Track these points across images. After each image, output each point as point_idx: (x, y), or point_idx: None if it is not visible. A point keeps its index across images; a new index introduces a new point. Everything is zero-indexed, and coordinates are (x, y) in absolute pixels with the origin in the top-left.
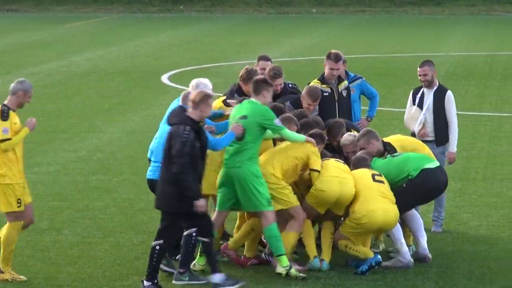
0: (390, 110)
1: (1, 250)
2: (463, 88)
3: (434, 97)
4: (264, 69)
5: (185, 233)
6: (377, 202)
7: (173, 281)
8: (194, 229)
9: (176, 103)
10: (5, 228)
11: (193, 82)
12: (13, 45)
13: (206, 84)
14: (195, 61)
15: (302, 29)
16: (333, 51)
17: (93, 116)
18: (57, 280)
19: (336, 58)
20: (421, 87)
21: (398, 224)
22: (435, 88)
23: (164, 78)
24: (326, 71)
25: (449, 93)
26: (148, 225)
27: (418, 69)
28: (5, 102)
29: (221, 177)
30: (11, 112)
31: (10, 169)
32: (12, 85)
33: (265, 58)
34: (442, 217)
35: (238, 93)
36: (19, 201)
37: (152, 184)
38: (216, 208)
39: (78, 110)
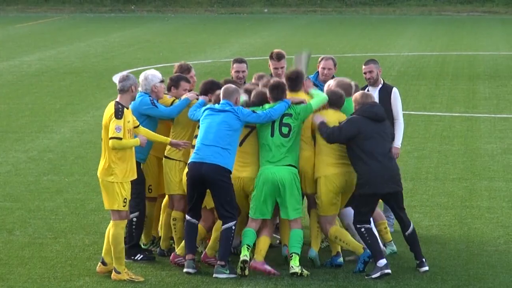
0: None
1: (112, 250)
2: (415, 88)
3: (379, 95)
4: (239, 71)
5: (224, 227)
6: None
7: (214, 275)
8: (233, 222)
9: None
10: (110, 227)
11: (141, 76)
12: None
13: (154, 74)
14: (146, 61)
15: (253, 29)
16: (275, 50)
17: (44, 116)
18: (8, 281)
19: (278, 57)
20: (366, 86)
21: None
22: (380, 86)
23: (115, 78)
24: (272, 71)
25: (395, 89)
26: (99, 226)
27: (363, 66)
28: (118, 100)
29: (267, 180)
30: (125, 110)
31: (118, 167)
32: (119, 83)
33: (240, 61)
34: (392, 216)
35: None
36: (125, 200)
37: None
38: (254, 215)
39: (29, 110)
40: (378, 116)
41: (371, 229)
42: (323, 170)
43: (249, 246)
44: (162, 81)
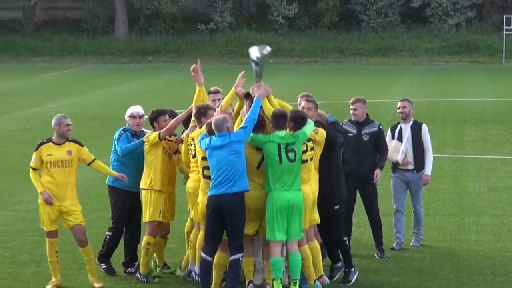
0: None
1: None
2: None
3: (411, 130)
4: (214, 100)
5: (234, 258)
6: None
7: None
8: (241, 254)
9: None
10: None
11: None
12: None
13: (129, 109)
14: (161, 107)
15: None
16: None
17: None
18: None
19: (215, 91)
20: (398, 123)
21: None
22: (411, 122)
23: None
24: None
25: (424, 126)
26: (119, 258)
27: (399, 103)
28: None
29: (280, 202)
30: (49, 144)
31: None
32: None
33: (214, 91)
34: (421, 233)
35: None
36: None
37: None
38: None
39: None
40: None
41: None
42: None
43: (281, 280)
44: (132, 116)
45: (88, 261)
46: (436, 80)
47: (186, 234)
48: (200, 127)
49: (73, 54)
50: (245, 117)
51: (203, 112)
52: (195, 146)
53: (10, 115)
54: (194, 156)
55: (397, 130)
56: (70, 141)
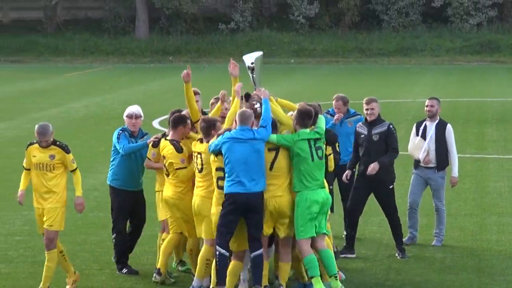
0: None
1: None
2: None
3: (436, 129)
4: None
5: (256, 254)
6: None
7: None
8: (262, 249)
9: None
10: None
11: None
12: (16, 93)
13: (127, 109)
14: (183, 106)
15: (280, 78)
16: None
17: (90, 158)
18: None
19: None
20: (424, 120)
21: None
22: (436, 121)
23: (155, 123)
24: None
25: (449, 126)
26: (140, 258)
27: (427, 101)
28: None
29: (313, 200)
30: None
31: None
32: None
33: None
34: (442, 233)
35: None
36: None
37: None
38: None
39: (77, 152)
40: None
41: None
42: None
43: (320, 277)
44: (128, 116)
45: (46, 267)
46: (458, 79)
47: (189, 254)
48: (208, 141)
49: (94, 54)
50: (261, 118)
51: (213, 125)
52: (202, 160)
53: (32, 115)
54: (201, 170)
55: (422, 127)
56: (57, 145)
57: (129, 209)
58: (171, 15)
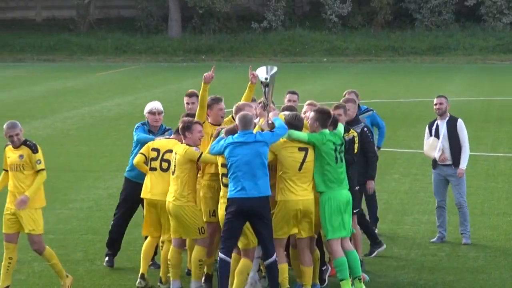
0: (395, 150)
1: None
2: None
3: (447, 126)
4: (188, 103)
5: (272, 260)
6: None
7: None
8: (274, 256)
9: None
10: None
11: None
12: (49, 91)
13: (148, 105)
14: None
15: (313, 76)
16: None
17: (122, 157)
18: None
19: (189, 94)
20: (435, 120)
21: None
22: (447, 118)
23: None
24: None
25: (460, 121)
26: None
27: (435, 99)
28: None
29: (339, 200)
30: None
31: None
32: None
33: (189, 94)
34: (468, 229)
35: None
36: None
37: None
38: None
39: (109, 151)
40: None
41: None
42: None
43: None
44: (151, 112)
45: (53, 265)
46: (491, 78)
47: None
48: (188, 144)
49: (127, 52)
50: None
51: (188, 127)
52: (176, 161)
53: (64, 114)
54: (173, 172)
55: (434, 127)
56: (26, 145)
57: (134, 202)
58: (203, 14)
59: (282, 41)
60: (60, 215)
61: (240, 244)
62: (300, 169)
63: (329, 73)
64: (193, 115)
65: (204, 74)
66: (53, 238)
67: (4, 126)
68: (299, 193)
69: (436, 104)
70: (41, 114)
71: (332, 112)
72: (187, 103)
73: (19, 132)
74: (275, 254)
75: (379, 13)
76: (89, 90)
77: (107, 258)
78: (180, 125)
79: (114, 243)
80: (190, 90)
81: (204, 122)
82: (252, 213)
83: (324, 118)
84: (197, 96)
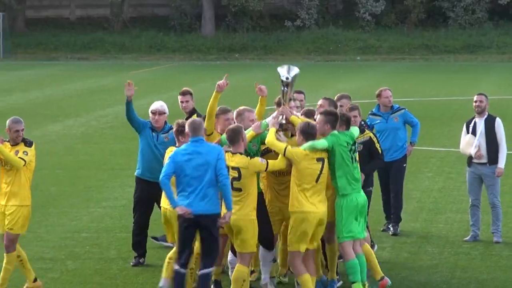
0: (429, 149)
1: None
2: None
3: (485, 124)
4: (182, 102)
5: (203, 272)
6: None
7: None
8: (212, 268)
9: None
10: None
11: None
12: (83, 90)
13: (153, 104)
14: (247, 104)
15: (346, 75)
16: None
17: None
18: None
19: (183, 92)
20: (473, 118)
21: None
22: (485, 116)
23: None
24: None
25: (498, 119)
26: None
27: (475, 97)
28: None
29: (355, 202)
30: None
31: None
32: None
33: (183, 93)
34: (500, 229)
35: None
36: None
37: None
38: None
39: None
40: None
41: None
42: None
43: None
44: (152, 112)
45: (5, 269)
46: None
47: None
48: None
49: (160, 51)
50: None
51: (181, 131)
52: None
53: (99, 112)
54: None
55: (472, 125)
56: (23, 141)
57: (149, 201)
58: (237, 12)
59: (315, 39)
60: (94, 214)
61: (236, 247)
62: (317, 180)
63: (362, 72)
64: (188, 113)
65: (218, 82)
66: (86, 236)
67: (9, 121)
68: (317, 205)
69: (476, 102)
70: (75, 113)
71: (338, 112)
72: (181, 102)
73: (24, 128)
74: (211, 268)
75: (412, 11)
76: (122, 89)
77: (134, 260)
78: (174, 128)
79: (138, 245)
80: (184, 89)
81: (212, 133)
82: (206, 227)
83: (333, 120)
84: (191, 94)
